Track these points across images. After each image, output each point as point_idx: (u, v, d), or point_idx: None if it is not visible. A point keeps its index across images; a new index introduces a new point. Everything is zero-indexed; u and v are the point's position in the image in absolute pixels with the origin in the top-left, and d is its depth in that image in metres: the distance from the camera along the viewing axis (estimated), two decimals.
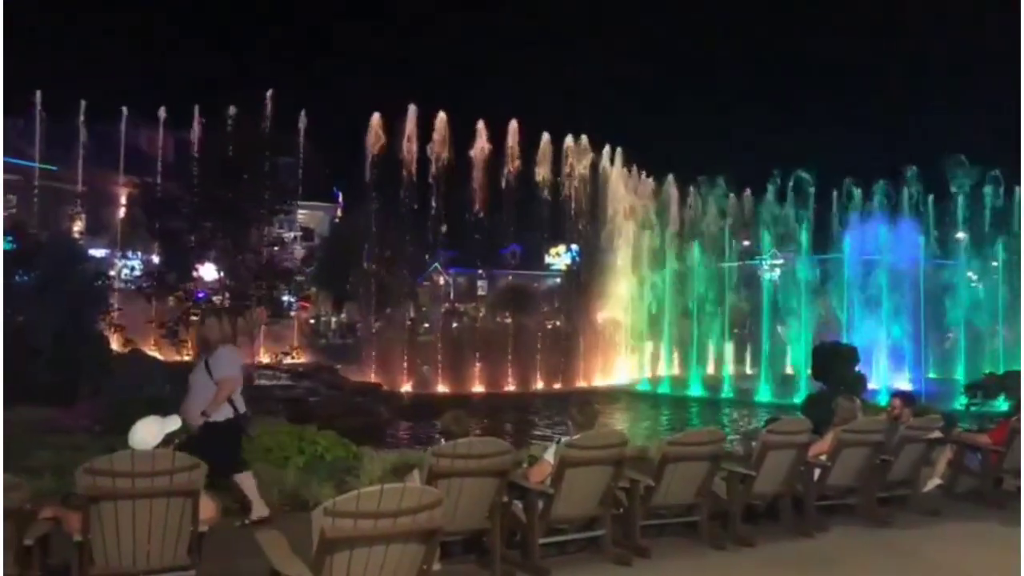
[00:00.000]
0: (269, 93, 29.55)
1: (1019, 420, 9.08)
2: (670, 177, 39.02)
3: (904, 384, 25.21)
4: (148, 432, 5.29)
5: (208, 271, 24.22)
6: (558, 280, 53.16)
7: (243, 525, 7.00)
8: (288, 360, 27.35)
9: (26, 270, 18.06)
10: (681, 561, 6.69)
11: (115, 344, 21.44)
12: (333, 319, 48.85)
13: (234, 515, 7.08)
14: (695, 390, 30.36)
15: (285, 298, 26.26)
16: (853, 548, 7.21)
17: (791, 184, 35.24)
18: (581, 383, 31.85)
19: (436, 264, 52.47)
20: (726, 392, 29.45)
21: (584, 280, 39.51)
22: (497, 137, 34.85)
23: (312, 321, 41.74)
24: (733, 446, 10.59)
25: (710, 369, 34.21)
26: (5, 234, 21.18)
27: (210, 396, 7.25)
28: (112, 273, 26.67)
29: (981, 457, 9.19)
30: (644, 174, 39.14)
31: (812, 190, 34.61)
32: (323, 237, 48.27)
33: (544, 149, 36.09)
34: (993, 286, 33.85)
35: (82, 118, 37.31)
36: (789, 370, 30.21)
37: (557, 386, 30.84)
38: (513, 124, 35.08)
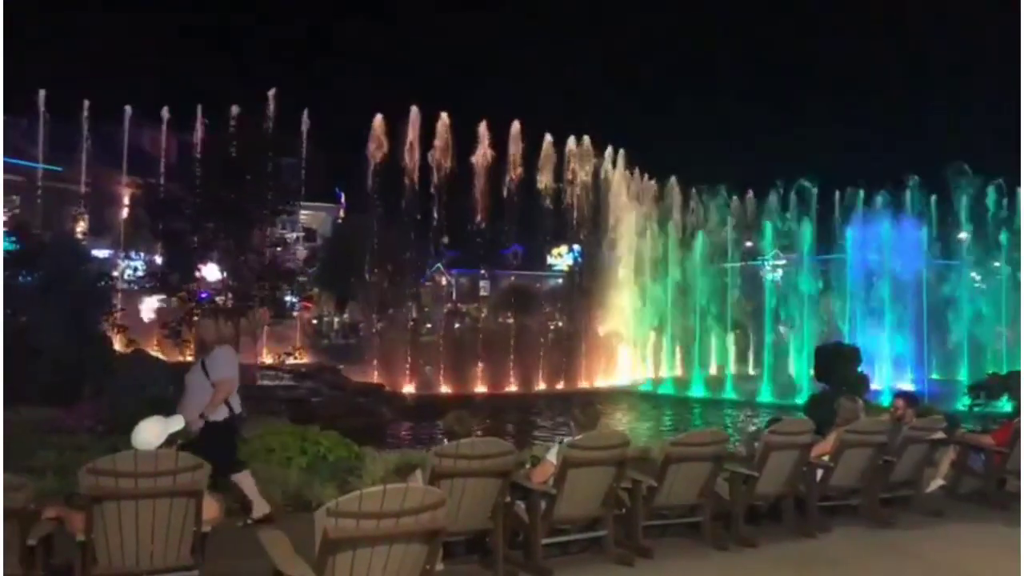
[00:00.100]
0: (272, 92, 29.58)
1: (1020, 421, 9.07)
2: (672, 179, 39.07)
3: (906, 385, 25.21)
4: (151, 432, 5.30)
5: (211, 271, 24.25)
6: (560, 281, 53.17)
7: (246, 525, 7.02)
8: (291, 360, 27.41)
9: (30, 270, 18.07)
10: (683, 562, 6.69)
11: (118, 344, 21.50)
12: (335, 319, 48.92)
13: (236, 515, 7.09)
14: (697, 391, 30.34)
15: (288, 298, 26.32)
16: (855, 549, 7.20)
17: (793, 187, 35.15)
18: (583, 383, 31.85)
19: (438, 265, 52.50)
20: (728, 393, 29.46)
21: (586, 281, 39.53)
22: (499, 137, 34.86)
23: (314, 321, 41.80)
24: (736, 447, 10.58)
25: (712, 370, 34.21)
26: (9, 235, 21.22)
27: (207, 397, 7.24)
28: (115, 274, 26.69)
29: (984, 458, 9.17)
30: (646, 176, 39.11)
31: (815, 191, 34.52)
32: (325, 237, 48.29)
33: (547, 150, 36.08)
34: (996, 287, 33.83)
35: (86, 118, 37.38)
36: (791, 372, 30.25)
37: (559, 386, 30.85)
38: (515, 125, 35.10)
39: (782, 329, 33.59)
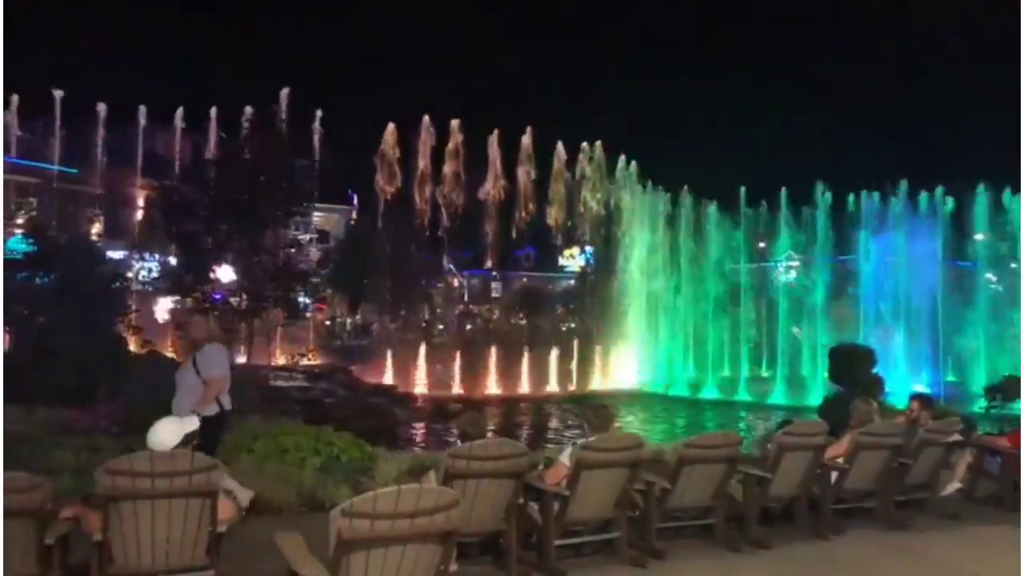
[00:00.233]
0: (285, 91, 29.70)
1: None
2: (684, 189, 38.94)
3: (922, 387, 25.05)
4: (167, 432, 5.34)
5: (225, 273, 24.39)
6: (572, 282, 53.09)
7: (242, 517, 7.05)
8: (304, 361, 27.54)
9: (45, 272, 18.22)
10: (696, 563, 6.67)
11: (133, 345, 21.64)
12: (348, 320, 48.98)
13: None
14: (710, 392, 30.26)
15: (301, 299, 26.46)
16: (870, 551, 7.16)
17: (807, 188, 34.98)
18: (596, 385, 31.81)
19: (451, 266, 52.54)
20: (741, 395, 29.36)
21: (598, 283, 39.47)
22: (510, 143, 34.93)
23: (328, 323, 41.90)
24: (749, 448, 10.55)
25: (725, 372, 34.11)
26: (25, 236, 21.44)
27: (199, 395, 7.30)
28: (130, 275, 26.88)
29: (1000, 461, 9.10)
30: (654, 184, 39.01)
31: (828, 196, 34.30)
32: (338, 239, 48.42)
33: (559, 155, 36.14)
34: (1012, 289, 33.51)
35: (102, 119, 37.66)
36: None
37: (571, 388, 30.82)
38: (527, 132, 35.17)
39: (795, 331, 33.46)
